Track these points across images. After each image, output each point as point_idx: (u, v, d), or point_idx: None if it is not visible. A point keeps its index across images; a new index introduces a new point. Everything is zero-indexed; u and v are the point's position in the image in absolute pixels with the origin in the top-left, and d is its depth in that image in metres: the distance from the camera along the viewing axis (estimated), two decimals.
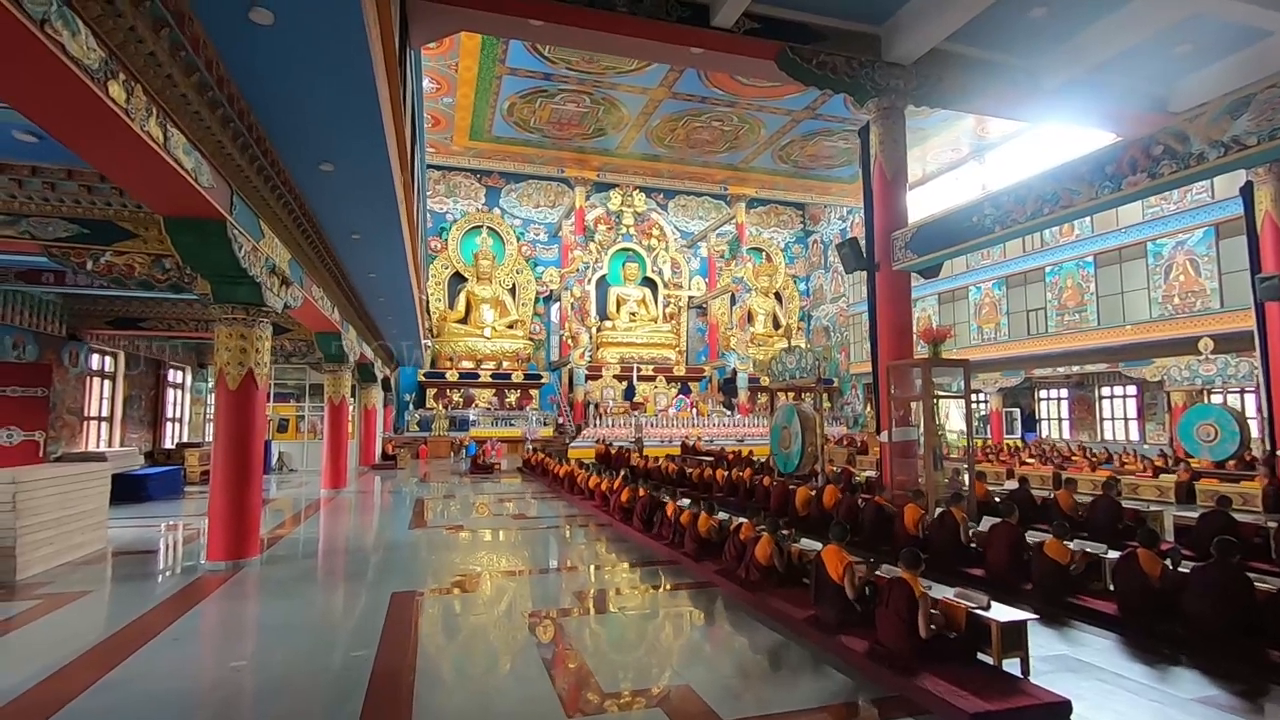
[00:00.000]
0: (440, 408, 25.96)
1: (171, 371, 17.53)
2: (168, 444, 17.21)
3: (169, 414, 17.59)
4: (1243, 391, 16.87)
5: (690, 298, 30.74)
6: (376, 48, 4.47)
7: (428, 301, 25.06)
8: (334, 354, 13.74)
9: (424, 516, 11.10)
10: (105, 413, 14.73)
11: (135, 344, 15.00)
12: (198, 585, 6.47)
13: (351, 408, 17.46)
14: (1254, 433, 13.78)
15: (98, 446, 14.09)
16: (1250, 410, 15.70)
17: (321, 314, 11.00)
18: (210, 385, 18.03)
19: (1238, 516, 7.48)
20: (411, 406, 26.28)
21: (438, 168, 27.82)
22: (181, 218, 6.02)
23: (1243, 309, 14.27)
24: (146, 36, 4.00)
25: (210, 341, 12.33)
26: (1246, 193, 12.42)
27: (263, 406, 7.75)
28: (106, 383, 14.80)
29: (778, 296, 32.60)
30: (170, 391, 17.61)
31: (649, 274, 30.29)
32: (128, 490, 12.04)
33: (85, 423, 13.68)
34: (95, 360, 14.10)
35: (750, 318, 30.89)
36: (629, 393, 26.97)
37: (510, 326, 28.27)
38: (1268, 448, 12.06)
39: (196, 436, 18.65)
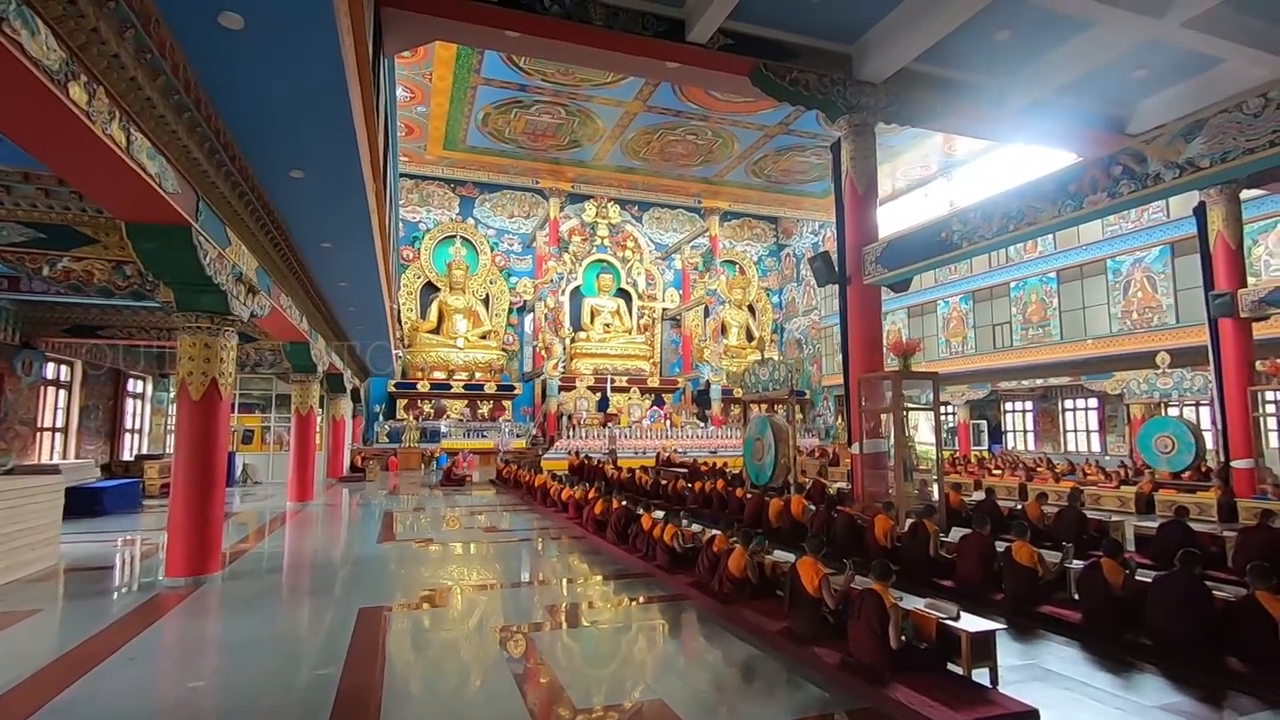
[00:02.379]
0: (411, 419, 25.59)
1: (131, 381, 17.01)
2: (126, 456, 16.67)
3: (128, 425, 17.05)
4: (1198, 404, 17.40)
5: (664, 309, 30.84)
6: (349, 54, 4.42)
7: (399, 311, 24.75)
8: (302, 364, 13.47)
9: (393, 530, 10.90)
10: (60, 424, 14.23)
11: (93, 352, 14.53)
12: (155, 602, 6.25)
13: (319, 419, 17.12)
14: (1209, 444, 14.22)
15: (51, 458, 13.60)
16: (1205, 423, 16.20)
17: (290, 323, 10.79)
18: (172, 395, 17.56)
19: (1195, 526, 7.69)
20: (381, 418, 25.86)
21: (411, 176, 27.60)
22: (144, 224, 5.86)
23: (1197, 325, 14.76)
24: (110, 38, 3.91)
25: (173, 350, 12.01)
26: (1200, 213, 12.90)
27: (226, 417, 7.56)
28: (62, 392, 14.30)
29: (751, 309, 32.89)
30: (130, 401, 17.07)
31: (623, 285, 30.33)
32: (83, 504, 11.62)
33: (39, 434, 13.20)
34: (50, 369, 13.62)
35: (724, 330, 31.08)
36: (603, 404, 26.90)
37: (483, 337, 28.04)
38: (1222, 459, 12.46)
39: (157, 448, 18.09)
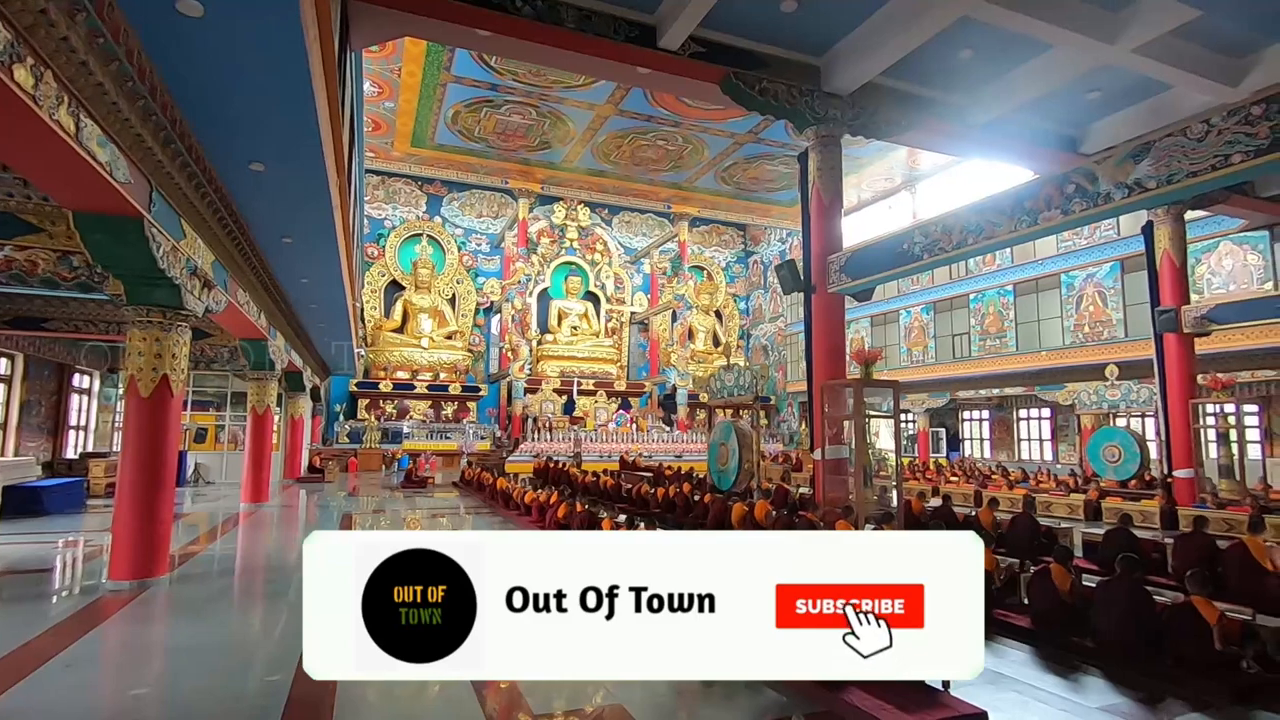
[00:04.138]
0: (372, 419, 25.11)
1: (77, 376, 16.37)
2: (70, 453, 16.03)
3: (73, 421, 16.39)
4: (1143, 416, 18.09)
5: (632, 313, 30.86)
6: (314, 46, 4.34)
7: (362, 309, 24.31)
8: (259, 361, 13.12)
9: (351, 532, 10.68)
10: None
11: (37, 345, 13.93)
12: (97, 606, 6.02)
13: (277, 417, 16.69)
14: (1153, 454, 14.79)
15: None
16: (1150, 433, 16.84)
17: (247, 319, 10.51)
18: (120, 391, 16.94)
19: (1138, 533, 7.99)
20: (342, 417, 25.31)
21: (377, 173, 27.13)
22: (93, 213, 5.65)
23: (1144, 339, 15.33)
24: (60, 20, 3.77)
25: (122, 344, 11.60)
26: (1148, 231, 13.43)
27: (178, 415, 7.32)
28: (1, 387, 13.69)
29: (718, 315, 33.11)
30: (75, 397, 16.42)
31: (591, 288, 30.26)
32: (22, 503, 11.16)
33: None
34: None
35: (691, 335, 31.23)
36: (569, 407, 26.78)
37: (448, 337, 27.67)
38: (1165, 469, 12.96)
39: (103, 446, 17.42)
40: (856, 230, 23.98)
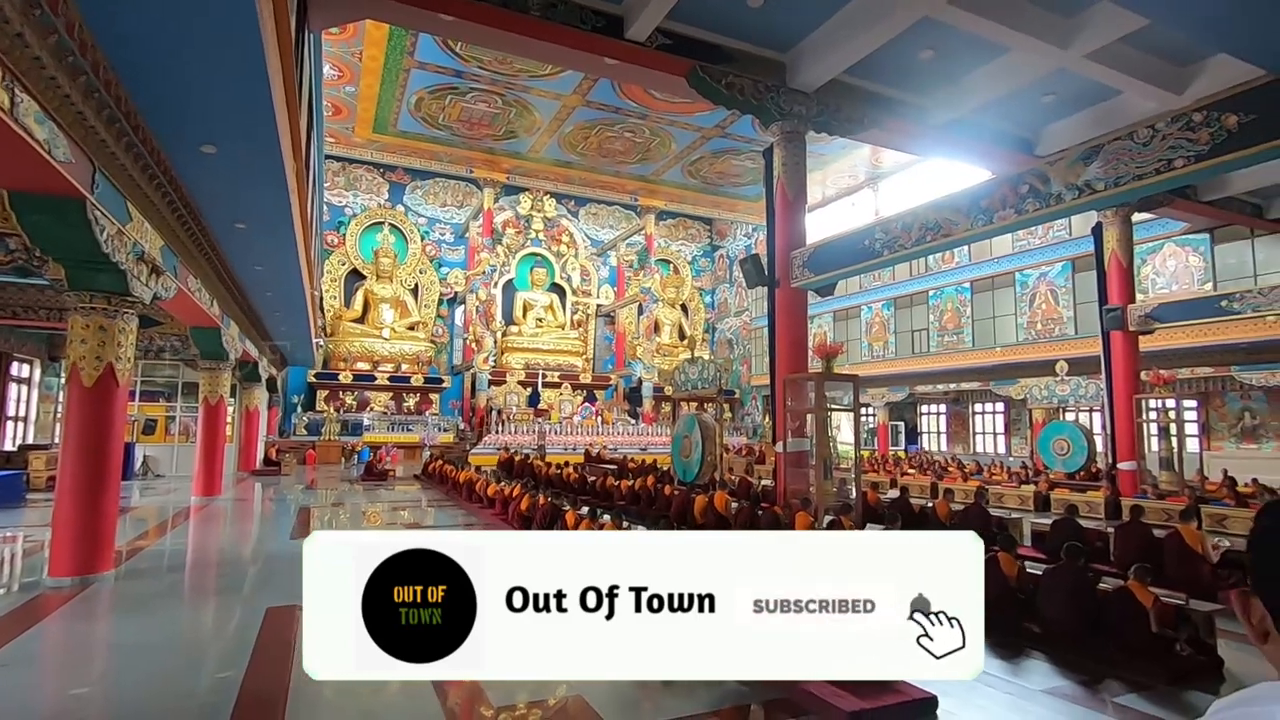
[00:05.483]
0: (332, 411, 24.58)
1: (16, 364, 15.66)
2: (8, 445, 15.35)
3: (11, 412, 15.69)
4: (1091, 410, 18.77)
5: (598, 306, 30.75)
6: (268, 24, 4.19)
7: (321, 299, 23.73)
8: (212, 351, 12.71)
9: (309, 526, 10.46)
10: None
11: None
12: (37, 604, 5.79)
13: (231, 409, 16.23)
14: (1099, 447, 15.34)
15: None
16: (1097, 427, 17.46)
17: (198, 307, 10.16)
18: (62, 380, 16.28)
19: (1084, 523, 8.29)
20: (300, 409, 24.72)
21: (337, 159, 26.44)
22: (31, 194, 5.38)
23: (1093, 336, 15.84)
24: None
25: (64, 332, 11.13)
26: (1097, 232, 13.90)
27: (123, 406, 7.07)
28: None
29: (684, 308, 33.22)
30: (14, 386, 15.72)
31: (557, 280, 30.06)
32: None
33: None
34: None
35: (656, 328, 31.29)
36: (533, 399, 26.61)
37: (411, 328, 27.22)
38: (1110, 461, 13.47)
39: (44, 437, 16.72)
40: (820, 226, 24.24)
